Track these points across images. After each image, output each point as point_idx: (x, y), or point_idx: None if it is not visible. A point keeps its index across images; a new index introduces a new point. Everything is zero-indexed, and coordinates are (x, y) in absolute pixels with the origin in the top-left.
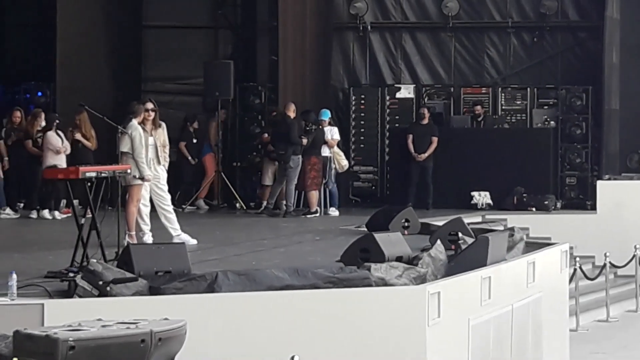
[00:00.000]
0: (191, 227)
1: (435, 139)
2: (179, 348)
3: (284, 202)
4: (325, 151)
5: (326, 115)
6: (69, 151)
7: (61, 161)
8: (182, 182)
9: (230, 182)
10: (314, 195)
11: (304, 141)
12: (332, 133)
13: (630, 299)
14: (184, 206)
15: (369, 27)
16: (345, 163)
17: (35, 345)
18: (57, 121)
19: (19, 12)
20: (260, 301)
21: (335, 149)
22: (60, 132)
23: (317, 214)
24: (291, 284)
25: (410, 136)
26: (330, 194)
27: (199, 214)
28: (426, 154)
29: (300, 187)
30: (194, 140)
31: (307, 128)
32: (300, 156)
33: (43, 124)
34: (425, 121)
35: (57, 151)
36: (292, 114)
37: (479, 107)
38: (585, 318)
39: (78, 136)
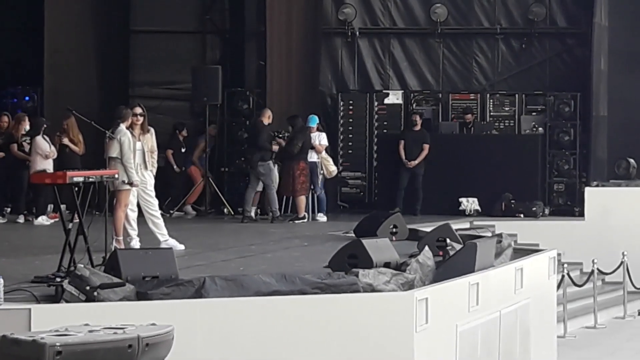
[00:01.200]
0: (179, 232)
1: (426, 146)
2: (166, 353)
3: (270, 207)
4: (313, 157)
5: (314, 121)
6: (55, 155)
7: (49, 166)
8: (171, 188)
9: (218, 187)
10: (302, 201)
11: (275, 147)
12: (320, 139)
13: (617, 306)
14: (171, 211)
15: (357, 32)
16: (333, 169)
17: (22, 350)
18: (45, 126)
19: (6, 16)
20: (248, 307)
21: (324, 154)
22: (46, 137)
23: (305, 220)
24: (279, 289)
25: (402, 142)
26: (318, 200)
27: (187, 219)
28: (417, 161)
29: (289, 192)
30: (183, 150)
31: (280, 135)
32: (270, 162)
33: (27, 128)
34: (417, 127)
35: (46, 156)
36: (265, 119)
37: (469, 116)
38: (573, 324)
39: (65, 141)
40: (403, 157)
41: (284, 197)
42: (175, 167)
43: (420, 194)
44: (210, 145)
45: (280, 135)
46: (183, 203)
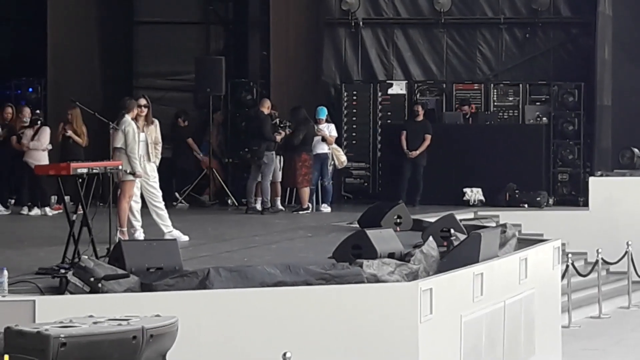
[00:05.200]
0: (183, 223)
1: (428, 137)
2: (171, 345)
3: (278, 198)
4: (324, 148)
5: (323, 113)
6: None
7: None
8: (176, 178)
9: (221, 178)
10: (305, 192)
11: (278, 137)
12: (330, 130)
13: (622, 296)
14: (174, 203)
15: (361, 23)
16: (344, 159)
17: (26, 342)
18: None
19: (9, 7)
20: (252, 297)
21: (334, 145)
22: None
23: (309, 211)
24: (283, 280)
25: (404, 133)
26: (324, 191)
27: (191, 211)
28: (418, 151)
29: (291, 184)
30: (188, 139)
31: (281, 125)
32: (273, 152)
33: (27, 119)
34: (420, 118)
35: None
36: (265, 109)
37: (466, 107)
38: (577, 314)
39: (69, 132)
40: (405, 147)
41: (288, 189)
42: (200, 155)
43: (420, 185)
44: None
45: (282, 125)
46: (188, 194)
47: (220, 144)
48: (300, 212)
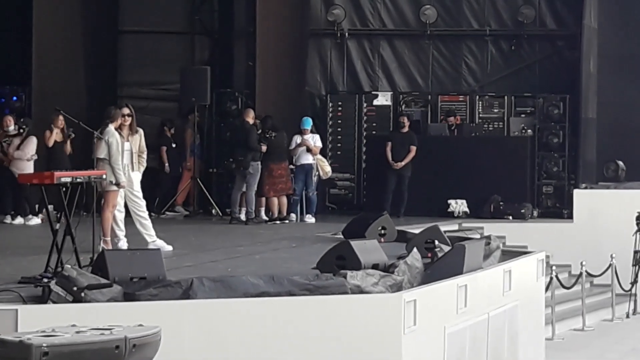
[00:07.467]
0: (167, 233)
1: (413, 148)
2: (154, 354)
3: (262, 209)
4: (308, 158)
5: (308, 123)
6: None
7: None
8: (160, 188)
9: (206, 188)
10: (273, 203)
11: (263, 148)
12: (315, 140)
13: (606, 308)
14: (167, 213)
15: (347, 34)
16: (329, 169)
17: (8, 351)
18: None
19: None
20: (236, 308)
21: (319, 155)
22: None
23: (286, 221)
24: (267, 290)
25: (389, 144)
26: (308, 201)
27: (175, 221)
28: (403, 163)
29: (260, 194)
30: (173, 145)
31: (267, 135)
32: (259, 162)
33: (11, 128)
34: (405, 129)
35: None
36: (250, 119)
37: (452, 118)
38: (561, 327)
39: (67, 145)
40: (390, 158)
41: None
42: (166, 165)
43: (405, 196)
44: (197, 133)
45: (268, 136)
46: (172, 204)
47: (196, 145)
48: (277, 222)
